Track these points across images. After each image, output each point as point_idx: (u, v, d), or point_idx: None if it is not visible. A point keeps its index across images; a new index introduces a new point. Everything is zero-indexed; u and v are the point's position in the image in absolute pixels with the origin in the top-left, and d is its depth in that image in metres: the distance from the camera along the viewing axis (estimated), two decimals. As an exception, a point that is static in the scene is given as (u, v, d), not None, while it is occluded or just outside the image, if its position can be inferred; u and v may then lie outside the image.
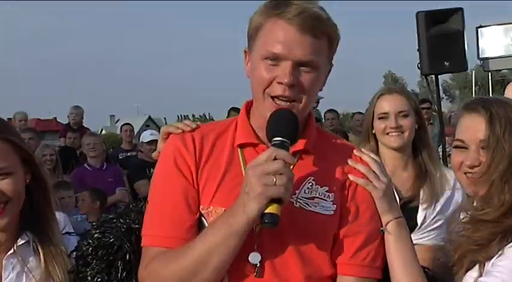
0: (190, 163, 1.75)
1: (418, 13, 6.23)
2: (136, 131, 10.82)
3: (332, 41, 1.73)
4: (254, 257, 1.66)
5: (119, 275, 1.83)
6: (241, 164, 1.75)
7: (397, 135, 2.97)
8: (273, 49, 1.67)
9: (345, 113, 26.50)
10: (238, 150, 1.78)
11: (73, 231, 2.09)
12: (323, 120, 9.08)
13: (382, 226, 1.79)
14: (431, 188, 2.93)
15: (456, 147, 1.96)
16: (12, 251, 1.88)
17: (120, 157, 8.63)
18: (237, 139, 1.79)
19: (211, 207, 1.72)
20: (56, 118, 40.95)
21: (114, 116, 65.05)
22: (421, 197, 2.93)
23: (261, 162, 1.56)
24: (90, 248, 1.86)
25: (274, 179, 1.53)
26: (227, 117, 7.27)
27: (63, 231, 2.03)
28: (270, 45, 1.67)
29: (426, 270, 1.87)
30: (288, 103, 1.68)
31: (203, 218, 1.73)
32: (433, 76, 6.67)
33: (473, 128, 1.89)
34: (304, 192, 1.73)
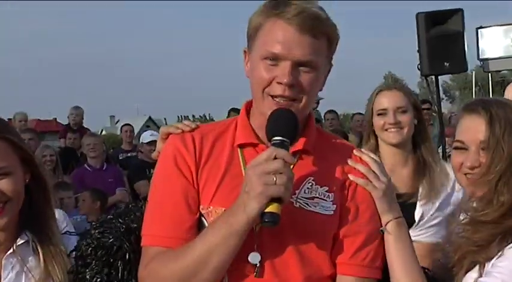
0: (190, 163, 1.75)
1: (418, 14, 6.23)
2: (136, 131, 10.82)
3: (331, 41, 1.73)
4: (254, 257, 1.66)
5: (119, 275, 1.83)
6: (241, 164, 1.75)
7: (396, 131, 2.96)
8: (273, 49, 1.67)
9: (345, 113, 26.52)
10: (238, 150, 1.78)
11: (73, 230, 2.09)
12: (323, 121, 9.08)
13: (381, 226, 1.79)
14: (431, 183, 2.92)
15: (456, 148, 1.96)
16: (11, 250, 1.88)
17: (120, 158, 8.64)
18: (236, 139, 1.79)
19: (211, 207, 1.72)
20: (56, 119, 40.94)
21: (114, 116, 65.16)
22: (419, 193, 2.92)
23: (261, 162, 1.56)
24: (90, 248, 1.86)
25: (274, 178, 1.53)
26: (227, 117, 7.27)
27: (64, 230, 2.03)
28: (269, 45, 1.67)
29: (426, 270, 1.87)
30: (287, 102, 1.68)
31: (203, 218, 1.73)
32: (433, 77, 6.68)
33: (473, 129, 1.89)
34: (304, 192, 1.73)
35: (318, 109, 9.29)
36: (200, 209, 1.73)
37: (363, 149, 1.90)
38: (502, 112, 1.85)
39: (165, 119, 54.12)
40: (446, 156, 5.82)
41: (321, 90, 1.80)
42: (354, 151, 1.85)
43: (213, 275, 1.62)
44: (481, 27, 8.06)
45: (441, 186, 2.92)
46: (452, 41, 6.13)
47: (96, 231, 1.90)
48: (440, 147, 6.43)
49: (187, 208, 1.72)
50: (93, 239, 1.88)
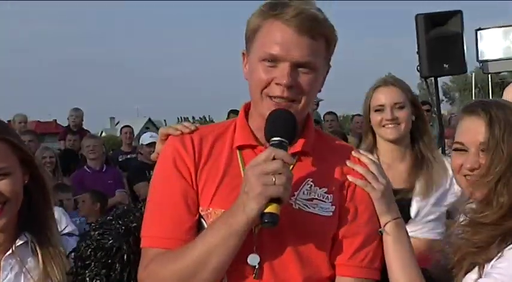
0: (189, 164, 1.75)
1: (417, 16, 6.24)
2: (136, 133, 10.83)
3: (329, 42, 1.74)
4: (253, 259, 1.66)
5: (118, 276, 1.83)
6: (240, 165, 1.75)
7: (393, 127, 2.96)
8: (271, 50, 1.67)
9: (344, 115, 26.52)
10: (237, 151, 1.78)
11: (74, 226, 2.09)
12: (323, 122, 9.08)
13: (380, 227, 1.79)
14: (428, 178, 2.91)
15: (456, 149, 1.95)
16: (10, 251, 1.88)
17: (120, 159, 8.65)
18: (235, 141, 1.79)
19: (210, 209, 1.72)
20: (55, 120, 40.91)
21: (114, 118, 65.18)
22: (415, 188, 2.91)
23: (260, 162, 1.56)
24: (89, 250, 1.86)
25: (274, 179, 1.53)
26: (227, 119, 7.27)
27: (64, 230, 2.02)
28: (267, 47, 1.68)
29: (424, 269, 1.87)
30: (286, 103, 1.68)
31: (202, 220, 1.73)
32: (433, 78, 6.68)
33: (473, 130, 1.89)
34: (303, 194, 1.73)
35: (317, 110, 9.30)
36: (199, 210, 1.73)
37: (361, 150, 1.90)
38: (502, 113, 1.85)
39: (164, 120, 54.12)
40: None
41: (319, 91, 1.81)
42: (353, 152, 1.85)
43: (212, 276, 1.62)
44: (480, 29, 8.05)
45: (439, 182, 2.91)
46: (451, 43, 6.14)
47: (96, 232, 1.89)
48: (440, 148, 6.43)
49: (187, 209, 1.72)
50: (92, 241, 1.88)
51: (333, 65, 1.82)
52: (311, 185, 1.74)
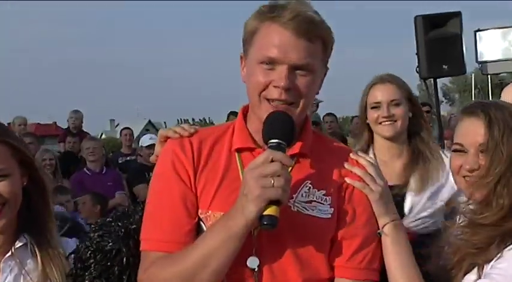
0: (188, 167, 1.75)
1: (416, 17, 6.25)
2: (136, 135, 10.84)
3: (326, 44, 1.74)
4: (252, 262, 1.66)
5: (118, 279, 1.83)
6: (239, 168, 1.75)
7: (390, 124, 2.96)
8: (269, 53, 1.67)
9: (344, 116, 26.50)
10: (236, 154, 1.78)
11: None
12: (322, 124, 9.08)
13: (378, 228, 1.79)
14: (423, 172, 2.89)
15: (455, 151, 1.96)
16: (10, 253, 1.88)
17: (120, 161, 8.64)
18: (234, 144, 1.79)
19: (209, 212, 1.72)
20: (55, 123, 40.88)
21: (114, 120, 65.11)
22: (410, 184, 2.90)
23: (258, 165, 1.56)
24: (89, 252, 1.86)
25: (272, 181, 1.53)
26: (226, 121, 7.27)
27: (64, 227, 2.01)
28: (265, 49, 1.68)
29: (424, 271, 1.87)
30: (284, 106, 1.69)
31: (201, 223, 1.73)
32: (432, 79, 6.69)
33: (472, 131, 1.89)
34: (302, 196, 1.73)
35: (317, 112, 9.29)
36: (199, 213, 1.73)
37: (359, 152, 1.90)
38: (501, 115, 1.85)
39: (164, 122, 54.09)
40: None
41: (317, 93, 1.81)
42: (351, 154, 1.85)
43: (212, 278, 1.62)
44: (479, 30, 8.07)
45: (435, 177, 2.89)
46: (450, 44, 6.14)
47: (96, 234, 1.90)
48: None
49: (186, 212, 1.72)
50: (92, 242, 1.88)
51: (332, 66, 1.82)
52: (309, 187, 1.74)
